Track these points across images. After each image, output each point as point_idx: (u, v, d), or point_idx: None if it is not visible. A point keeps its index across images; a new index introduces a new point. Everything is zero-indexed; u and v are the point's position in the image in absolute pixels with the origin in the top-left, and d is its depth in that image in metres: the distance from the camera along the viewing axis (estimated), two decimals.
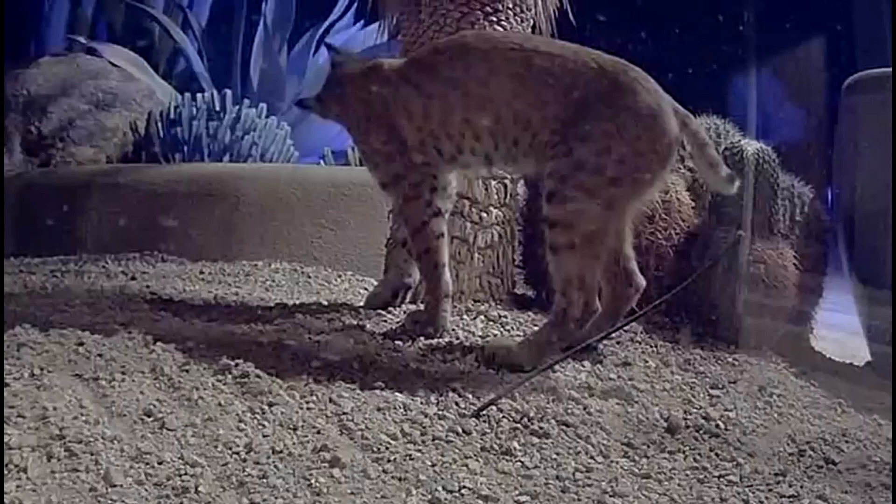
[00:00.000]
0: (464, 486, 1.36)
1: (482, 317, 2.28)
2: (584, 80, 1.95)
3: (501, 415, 1.65)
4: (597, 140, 1.89)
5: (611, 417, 1.71)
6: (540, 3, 2.54)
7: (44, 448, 1.37)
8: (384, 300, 2.34)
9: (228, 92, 4.09)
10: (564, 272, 1.92)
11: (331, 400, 1.66)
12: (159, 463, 1.36)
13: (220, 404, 1.60)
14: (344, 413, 1.60)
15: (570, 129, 1.92)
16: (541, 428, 1.60)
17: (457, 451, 1.50)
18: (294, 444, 1.46)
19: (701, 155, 2.01)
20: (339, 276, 3.01)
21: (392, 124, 2.09)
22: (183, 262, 3.22)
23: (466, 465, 1.44)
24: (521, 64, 1.99)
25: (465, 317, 2.28)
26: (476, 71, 2.02)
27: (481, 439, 1.55)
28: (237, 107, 4.01)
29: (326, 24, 5.15)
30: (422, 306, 2.21)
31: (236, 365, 1.78)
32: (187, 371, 1.77)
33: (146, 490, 1.28)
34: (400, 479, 1.38)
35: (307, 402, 1.65)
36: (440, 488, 1.35)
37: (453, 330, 2.16)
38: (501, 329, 2.22)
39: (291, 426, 1.53)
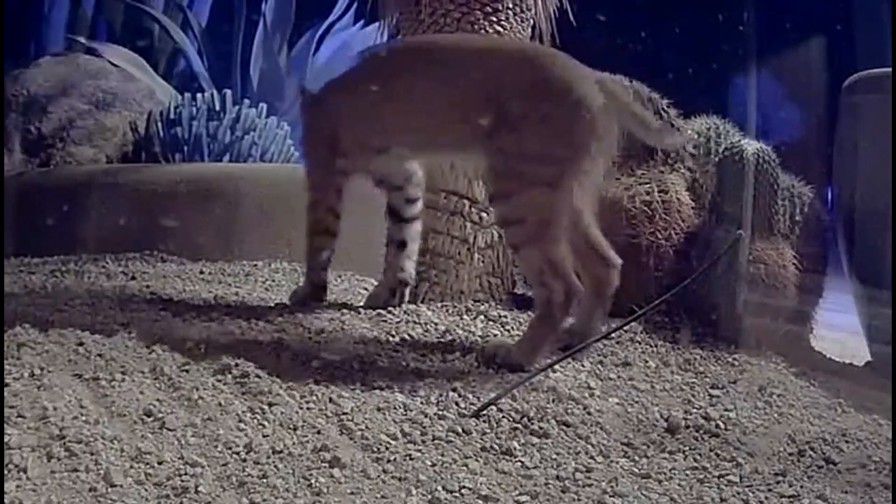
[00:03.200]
0: (464, 486, 1.36)
1: (482, 317, 2.28)
2: (495, 70, 1.97)
3: (501, 415, 1.65)
4: (519, 127, 1.89)
5: (611, 417, 1.71)
6: (540, 3, 2.54)
7: (44, 448, 1.37)
8: (384, 300, 2.34)
9: (228, 92, 4.09)
10: (532, 265, 1.92)
11: (331, 400, 1.66)
12: (159, 463, 1.36)
13: (220, 404, 1.60)
14: (344, 413, 1.60)
15: (493, 121, 1.93)
16: (541, 428, 1.60)
17: (457, 451, 1.50)
18: (294, 444, 1.46)
19: (631, 118, 1.99)
20: (339, 276, 3.00)
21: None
22: (183, 262, 3.22)
23: (466, 465, 1.44)
24: (438, 63, 2.07)
25: (465, 317, 2.28)
26: (402, 74, 2.11)
27: (481, 439, 1.56)
28: (237, 107, 4.01)
29: (326, 24, 5.15)
30: (423, 308, 2.22)
31: (236, 365, 1.78)
32: (187, 371, 1.78)
33: (146, 490, 1.28)
34: (400, 479, 1.38)
35: (307, 402, 1.65)
36: (440, 488, 1.35)
37: (454, 330, 2.16)
38: (501, 329, 2.22)
39: (291, 426, 1.53)
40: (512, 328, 2.22)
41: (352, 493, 1.32)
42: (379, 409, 1.64)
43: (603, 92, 1.93)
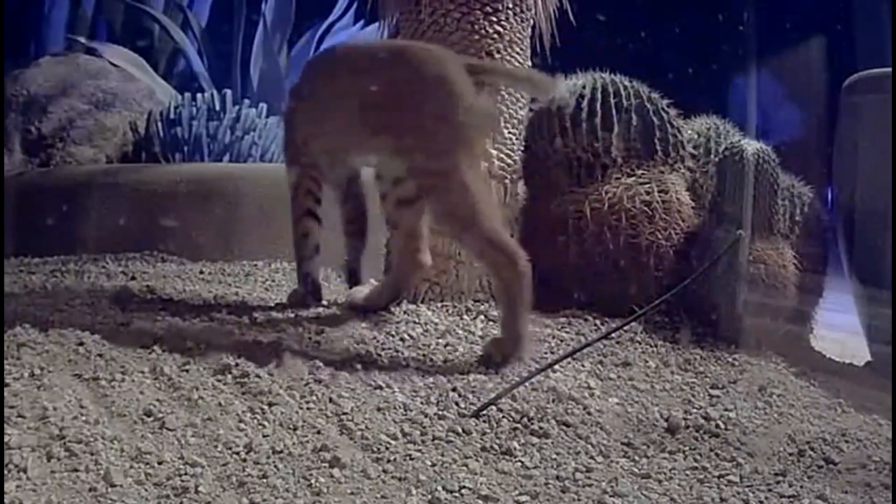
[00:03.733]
0: (464, 486, 1.36)
1: (482, 317, 2.28)
2: (378, 74, 2.06)
3: (501, 415, 1.65)
4: (410, 125, 1.99)
5: (611, 417, 1.71)
6: (540, 3, 2.54)
7: (44, 448, 1.37)
8: (386, 299, 2.33)
9: (228, 92, 4.09)
10: (474, 249, 2.01)
11: (331, 400, 1.66)
12: (159, 463, 1.36)
13: (220, 404, 1.60)
14: (344, 413, 1.60)
15: (389, 123, 2.02)
16: (541, 428, 1.60)
17: (457, 451, 1.50)
18: (294, 444, 1.46)
19: (517, 82, 2.25)
20: (339, 276, 3.00)
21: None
22: (183, 262, 3.22)
23: (466, 465, 1.44)
24: (337, 71, 2.21)
25: (465, 317, 2.28)
26: (317, 81, 2.27)
27: (481, 439, 1.56)
28: (237, 107, 4.01)
29: (326, 24, 5.15)
30: (423, 308, 2.21)
31: (236, 365, 1.78)
32: (187, 371, 1.78)
33: (146, 490, 1.28)
34: (400, 479, 1.38)
35: (307, 402, 1.65)
36: (440, 488, 1.35)
37: (454, 330, 2.16)
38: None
39: (291, 426, 1.53)
40: None
41: (352, 493, 1.32)
42: (379, 409, 1.64)
43: (476, 74, 2.02)
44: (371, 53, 2.22)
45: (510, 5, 2.46)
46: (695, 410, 1.80)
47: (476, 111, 2.00)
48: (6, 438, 1.37)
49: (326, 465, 1.40)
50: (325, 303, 2.40)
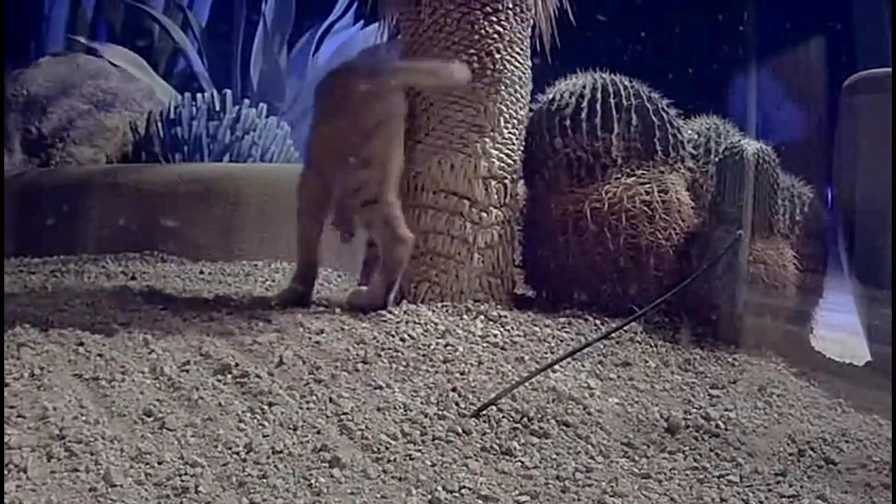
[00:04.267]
0: (464, 486, 1.36)
1: (482, 317, 2.28)
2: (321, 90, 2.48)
3: (501, 415, 1.65)
4: (335, 134, 2.35)
5: (611, 417, 1.71)
6: (540, 3, 2.54)
7: (44, 448, 1.37)
8: (383, 298, 2.33)
9: (228, 92, 4.09)
10: (372, 224, 2.31)
11: (331, 400, 1.66)
12: (159, 463, 1.36)
13: (220, 404, 1.60)
14: (344, 413, 1.60)
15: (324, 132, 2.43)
16: (541, 428, 1.60)
17: (457, 451, 1.50)
18: (294, 444, 1.46)
19: (424, 77, 2.41)
20: (339, 276, 3.01)
21: None
22: (183, 262, 3.22)
23: (466, 465, 1.44)
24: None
25: (464, 317, 2.28)
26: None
27: (481, 439, 1.56)
28: (237, 107, 4.01)
29: (326, 24, 5.15)
30: (423, 308, 2.21)
31: (236, 365, 1.78)
32: (187, 371, 1.78)
33: (146, 490, 1.28)
34: (400, 479, 1.38)
35: (307, 402, 1.65)
36: (440, 488, 1.35)
37: (454, 330, 2.16)
38: (501, 329, 2.22)
39: (291, 426, 1.53)
40: (512, 328, 2.22)
41: (352, 493, 1.32)
42: (379, 409, 1.64)
43: (388, 77, 2.32)
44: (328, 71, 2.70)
45: (510, 5, 2.46)
46: (695, 410, 1.80)
47: (382, 112, 2.30)
48: (6, 438, 1.37)
49: (326, 465, 1.40)
50: (325, 302, 2.40)
